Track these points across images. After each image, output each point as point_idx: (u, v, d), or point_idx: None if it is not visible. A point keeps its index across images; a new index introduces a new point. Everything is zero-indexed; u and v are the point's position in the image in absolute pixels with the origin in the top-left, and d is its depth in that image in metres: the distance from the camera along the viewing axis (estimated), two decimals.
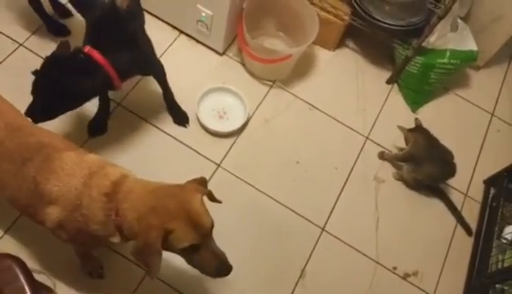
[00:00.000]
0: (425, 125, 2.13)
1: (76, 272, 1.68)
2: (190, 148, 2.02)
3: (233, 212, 1.91)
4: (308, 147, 2.13)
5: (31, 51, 2.09)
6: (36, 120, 1.50)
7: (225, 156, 2.03)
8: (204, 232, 1.18)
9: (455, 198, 2.12)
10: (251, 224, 1.92)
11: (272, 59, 2.09)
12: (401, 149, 2.13)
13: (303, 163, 2.09)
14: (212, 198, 1.33)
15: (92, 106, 1.99)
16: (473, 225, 2.08)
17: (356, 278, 1.90)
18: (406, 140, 2.09)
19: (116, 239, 1.24)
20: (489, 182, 2.16)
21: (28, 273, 1.19)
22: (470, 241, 2.04)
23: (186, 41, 2.29)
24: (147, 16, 2.27)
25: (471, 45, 2.20)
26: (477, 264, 1.94)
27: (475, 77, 2.50)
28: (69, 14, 2.19)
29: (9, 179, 1.28)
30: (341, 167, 2.11)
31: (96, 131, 1.98)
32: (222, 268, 1.24)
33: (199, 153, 2.02)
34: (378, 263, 1.93)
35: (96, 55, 1.54)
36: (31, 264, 1.64)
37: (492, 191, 2.13)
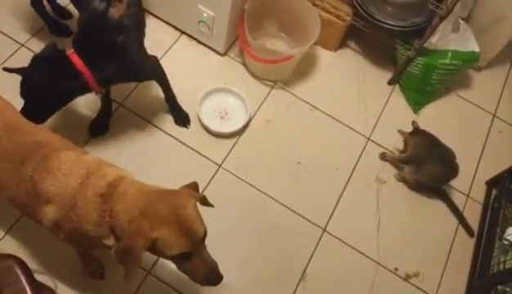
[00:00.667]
0: (427, 126, 2.13)
1: (77, 272, 1.68)
2: (192, 148, 2.02)
3: (234, 213, 1.91)
4: (309, 147, 2.13)
5: (33, 51, 2.09)
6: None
7: (226, 156, 2.03)
8: (195, 239, 1.15)
9: (457, 199, 2.12)
10: (252, 225, 1.91)
11: (274, 59, 2.09)
12: (402, 151, 2.13)
13: (304, 164, 2.08)
14: (205, 203, 1.30)
15: (93, 106, 2.00)
16: (475, 226, 2.07)
17: (357, 279, 1.89)
18: (406, 144, 2.09)
19: (110, 241, 1.22)
20: (491, 183, 2.16)
21: (29, 274, 1.19)
22: (472, 242, 2.04)
23: (187, 41, 2.29)
24: (149, 17, 2.28)
25: (473, 46, 2.19)
26: (478, 265, 1.93)
27: (477, 78, 2.49)
28: (69, 15, 2.19)
29: (7, 178, 1.28)
30: (342, 167, 2.11)
31: (98, 131, 1.98)
32: (212, 277, 1.22)
33: (201, 154, 2.02)
34: (379, 264, 1.93)
35: (77, 61, 1.54)
36: (32, 264, 1.64)
37: (494, 192, 2.12)
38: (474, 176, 2.21)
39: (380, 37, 2.19)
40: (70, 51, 1.55)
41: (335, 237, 1.95)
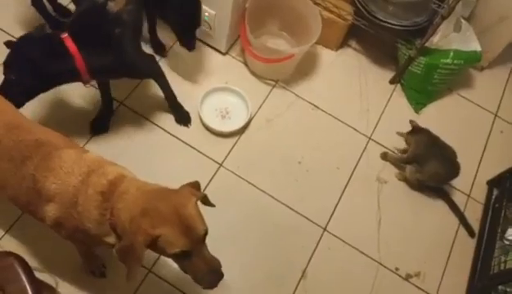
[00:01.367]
0: (428, 125, 2.12)
1: (78, 271, 1.68)
2: (193, 147, 2.02)
3: (234, 212, 1.91)
4: (310, 147, 2.13)
5: None
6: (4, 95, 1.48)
7: (227, 155, 2.03)
8: (196, 238, 1.15)
9: (458, 198, 2.11)
10: (252, 224, 1.91)
11: (275, 58, 2.09)
12: (404, 152, 2.13)
13: (304, 163, 2.08)
14: (206, 202, 1.30)
15: (94, 104, 2.00)
16: (476, 226, 2.07)
17: (357, 279, 1.89)
18: (407, 144, 2.09)
19: (111, 239, 1.23)
20: (492, 183, 2.15)
21: (29, 272, 1.19)
22: (473, 242, 2.04)
23: None
24: None
25: (475, 45, 2.19)
26: (479, 265, 1.93)
27: (479, 78, 2.49)
28: (70, 14, 2.19)
29: (9, 177, 1.28)
30: (343, 167, 2.11)
31: (99, 129, 1.98)
32: (212, 276, 1.21)
33: (202, 153, 2.02)
34: (380, 264, 1.93)
35: (70, 44, 1.53)
36: (33, 262, 1.65)
37: (495, 192, 2.12)
38: (475, 176, 2.20)
39: (382, 36, 2.19)
40: (65, 35, 1.54)
41: (336, 236, 1.95)
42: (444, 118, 2.33)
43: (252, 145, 2.09)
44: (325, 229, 1.95)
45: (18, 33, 2.12)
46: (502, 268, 1.81)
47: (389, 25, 2.11)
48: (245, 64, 2.28)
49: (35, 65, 1.51)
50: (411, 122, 2.11)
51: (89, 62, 1.57)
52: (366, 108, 2.28)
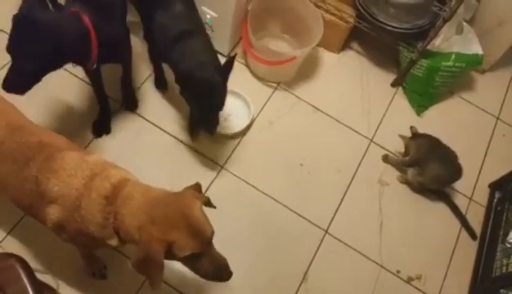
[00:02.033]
0: (430, 128, 2.12)
1: (79, 272, 1.68)
2: (194, 149, 2.02)
3: (235, 214, 1.91)
4: (312, 149, 2.13)
5: None
6: (12, 85, 1.40)
7: (228, 158, 2.03)
8: (204, 239, 1.16)
9: (460, 201, 2.11)
10: (253, 226, 1.91)
11: (277, 61, 2.09)
12: (405, 155, 2.12)
13: (306, 165, 2.08)
14: (207, 204, 1.31)
15: (96, 106, 2.00)
16: (478, 229, 2.06)
17: (359, 282, 1.89)
18: (407, 149, 2.09)
19: (114, 242, 1.23)
20: (494, 186, 2.15)
21: (30, 273, 1.19)
22: (475, 245, 2.03)
23: None
24: None
25: (476, 48, 2.19)
26: (481, 268, 1.93)
27: (480, 81, 2.49)
28: None
29: (12, 179, 1.28)
30: (345, 169, 2.11)
31: (101, 131, 1.98)
32: (222, 274, 1.24)
33: (203, 155, 2.02)
34: (381, 266, 1.92)
35: (86, 20, 1.51)
36: (34, 264, 1.65)
37: (497, 195, 2.12)
38: (477, 179, 2.20)
39: (383, 39, 2.19)
40: (76, 10, 1.50)
41: (337, 239, 1.94)
42: (446, 120, 2.33)
43: (253, 147, 2.09)
44: (326, 232, 1.95)
45: None
46: (504, 271, 1.80)
47: (391, 28, 2.11)
48: (247, 66, 2.28)
49: (54, 41, 1.40)
50: (412, 128, 2.11)
51: (100, 37, 1.55)
52: (368, 110, 2.28)
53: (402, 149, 2.15)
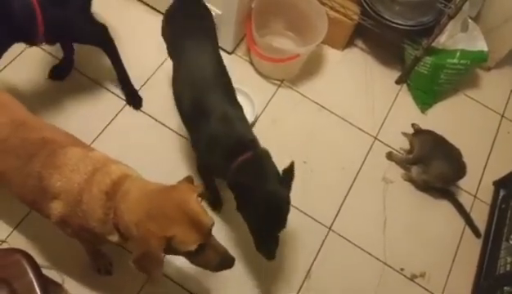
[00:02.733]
0: (434, 126, 2.12)
1: (84, 268, 1.69)
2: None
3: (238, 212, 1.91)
4: (316, 147, 2.13)
5: (43, 49, 2.11)
6: None
7: None
8: (205, 231, 1.17)
9: (464, 199, 2.11)
10: None
11: (281, 58, 2.09)
12: (409, 152, 2.12)
13: (310, 163, 2.08)
14: (201, 196, 1.30)
15: (100, 103, 2.00)
16: (482, 227, 2.06)
17: (362, 279, 1.89)
18: (412, 145, 2.09)
19: (114, 238, 1.23)
20: (498, 184, 2.14)
21: (36, 268, 1.21)
22: (479, 243, 2.03)
23: None
24: (156, 15, 2.29)
25: (481, 45, 2.18)
26: (485, 266, 1.92)
27: (485, 78, 2.48)
28: None
29: (15, 174, 1.29)
30: (349, 167, 2.11)
31: (57, 75, 2.04)
32: (225, 262, 1.25)
33: None
34: (385, 264, 1.92)
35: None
36: (40, 259, 1.66)
37: (502, 193, 2.11)
38: (482, 177, 2.19)
39: (388, 36, 2.19)
40: None
41: (341, 236, 1.95)
42: (450, 118, 2.32)
43: None
44: (330, 229, 1.95)
45: None
46: (508, 269, 1.80)
47: (396, 25, 2.11)
48: (251, 63, 2.28)
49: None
50: (413, 125, 2.11)
51: (46, 17, 1.55)
52: (372, 108, 2.28)
53: (407, 147, 2.15)
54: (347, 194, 2.04)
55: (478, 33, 2.21)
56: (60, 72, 2.07)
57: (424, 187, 2.08)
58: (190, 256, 1.20)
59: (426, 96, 2.32)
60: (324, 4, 2.18)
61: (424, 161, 2.02)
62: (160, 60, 2.19)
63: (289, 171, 1.48)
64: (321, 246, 1.91)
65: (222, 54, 2.27)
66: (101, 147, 1.91)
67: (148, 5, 2.33)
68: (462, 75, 2.25)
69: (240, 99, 2.14)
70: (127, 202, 1.18)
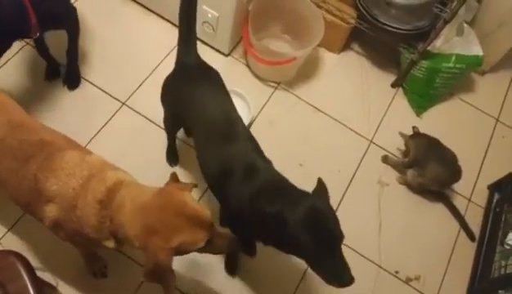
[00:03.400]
0: (430, 129, 2.12)
1: (79, 270, 1.69)
2: (194, 148, 2.02)
3: None
4: (312, 149, 2.13)
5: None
6: None
7: None
8: (208, 226, 1.17)
9: (459, 203, 2.12)
10: None
11: (277, 61, 2.10)
12: (405, 155, 2.13)
13: (305, 166, 2.09)
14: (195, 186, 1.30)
15: (100, 105, 2.00)
16: (477, 231, 2.07)
17: (357, 282, 1.87)
18: (407, 148, 2.10)
19: (110, 244, 1.22)
20: (493, 188, 2.15)
21: (31, 271, 1.20)
22: (473, 246, 2.04)
23: None
24: (152, 16, 2.29)
25: (477, 50, 2.19)
26: (479, 269, 1.93)
27: (480, 82, 2.49)
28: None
29: (11, 176, 1.28)
30: (344, 169, 2.11)
31: (51, 76, 2.04)
32: (230, 245, 1.25)
33: None
34: (380, 267, 1.93)
35: None
36: (34, 261, 1.65)
37: (496, 197, 2.12)
38: (477, 181, 2.20)
39: (384, 39, 2.19)
40: None
41: None
42: (446, 122, 2.33)
43: None
44: None
45: None
46: (503, 272, 1.81)
47: (392, 29, 2.12)
48: (248, 65, 2.28)
49: None
50: (414, 128, 2.12)
51: (36, 6, 1.56)
52: (368, 111, 2.29)
53: (403, 148, 2.16)
54: (342, 197, 2.05)
55: (474, 37, 2.22)
56: (53, 71, 2.06)
57: (420, 190, 2.09)
58: (200, 250, 1.21)
59: (421, 100, 2.33)
60: (320, 7, 2.18)
61: (419, 164, 2.03)
62: (157, 62, 2.19)
63: (320, 184, 1.41)
64: None
65: (219, 56, 2.29)
66: (97, 147, 1.90)
67: (144, 6, 2.32)
68: (457, 79, 2.26)
69: (237, 101, 2.15)
70: (124, 215, 1.16)
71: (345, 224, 1.96)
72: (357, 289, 1.87)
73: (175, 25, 2.28)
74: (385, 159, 2.16)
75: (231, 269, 1.81)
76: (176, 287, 1.72)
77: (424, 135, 2.09)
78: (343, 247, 1.94)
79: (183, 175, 1.93)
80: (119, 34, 2.24)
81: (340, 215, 1.97)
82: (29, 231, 1.72)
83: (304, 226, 1.22)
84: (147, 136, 2.02)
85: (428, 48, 2.12)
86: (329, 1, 2.21)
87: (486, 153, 2.29)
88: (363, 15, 2.16)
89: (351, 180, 2.09)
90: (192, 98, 1.52)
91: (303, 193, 1.38)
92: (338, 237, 1.28)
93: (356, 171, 2.12)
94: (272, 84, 2.26)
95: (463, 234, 2.06)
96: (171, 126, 1.81)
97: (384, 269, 1.93)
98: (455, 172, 2.02)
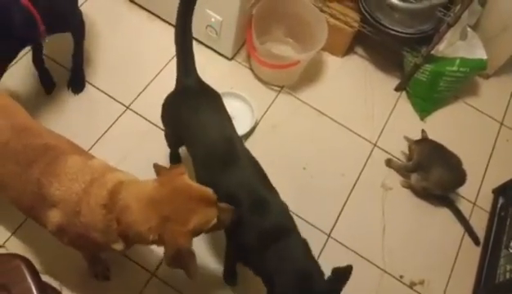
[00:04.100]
0: (434, 133, 2.12)
1: (82, 273, 1.69)
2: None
3: None
4: (315, 153, 2.13)
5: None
6: None
7: None
8: (215, 202, 1.21)
9: (464, 206, 2.11)
10: None
11: (280, 64, 2.10)
12: (408, 159, 2.12)
13: (309, 169, 2.08)
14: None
15: (101, 108, 2.01)
16: (481, 235, 2.06)
17: (361, 286, 1.88)
18: (410, 152, 2.09)
19: (119, 246, 1.22)
20: (498, 191, 2.15)
21: (35, 274, 1.20)
22: (478, 250, 2.03)
23: (194, 45, 2.23)
24: (157, 21, 2.30)
25: (480, 53, 2.19)
26: (484, 274, 1.92)
27: (484, 86, 2.49)
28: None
29: (14, 180, 1.28)
30: (348, 173, 2.11)
31: (46, 85, 2.03)
32: (234, 216, 1.29)
33: None
34: (384, 271, 1.92)
35: (24, 1, 1.51)
36: (38, 264, 1.65)
37: (501, 200, 2.11)
38: (481, 185, 2.19)
39: (388, 43, 2.20)
40: None
41: (340, 243, 1.94)
42: (450, 125, 2.33)
43: (256, 151, 2.06)
44: (329, 236, 1.95)
45: None
46: (508, 277, 1.80)
47: (395, 33, 2.12)
48: (251, 69, 2.29)
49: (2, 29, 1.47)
50: (423, 132, 2.12)
51: (42, 13, 1.56)
52: (372, 114, 2.29)
53: (406, 152, 2.15)
54: (346, 201, 2.04)
55: (477, 41, 2.22)
56: (48, 83, 2.05)
57: (424, 194, 2.08)
58: (211, 228, 1.23)
59: (425, 104, 2.33)
60: (324, 11, 2.19)
61: (423, 168, 2.02)
62: (161, 66, 2.20)
63: (343, 272, 1.36)
64: (320, 252, 1.90)
65: (222, 60, 2.30)
66: (101, 151, 1.92)
67: (149, 11, 2.33)
68: (461, 83, 2.26)
69: (240, 105, 2.17)
70: (133, 215, 1.16)
71: (349, 228, 1.98)
72: (361, 293, 1.87)
73: None
74: (389, 163, 2.15)
75: (231, 280, 1.77)
76: (178, 290, 1.72)
77: (428, 141, 2.08)
78: (346, 250, 1.94)
79: None
80: (124, 39, 2.25)
81: (344, 219, 1.99)
82: (33, 235, 1.72)
83: None
84: (151, 140, 2.02)
85: (432, 52, 2.12)
86: (332, 5, 2.21)
87: (490, 156, 2.29)
88: (366, 18, 2.16)
89: (354, 184, 2.09)
90: (191, 121, 1.51)
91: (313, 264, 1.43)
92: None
93: (359, 174, 2.12)
94: (276, 88, 2.27)
95: (467, 238, 2.05)
96: (172, 143, 1.82)
97: (388, 273, 1.92)
98: (459, 176, 2.01)
